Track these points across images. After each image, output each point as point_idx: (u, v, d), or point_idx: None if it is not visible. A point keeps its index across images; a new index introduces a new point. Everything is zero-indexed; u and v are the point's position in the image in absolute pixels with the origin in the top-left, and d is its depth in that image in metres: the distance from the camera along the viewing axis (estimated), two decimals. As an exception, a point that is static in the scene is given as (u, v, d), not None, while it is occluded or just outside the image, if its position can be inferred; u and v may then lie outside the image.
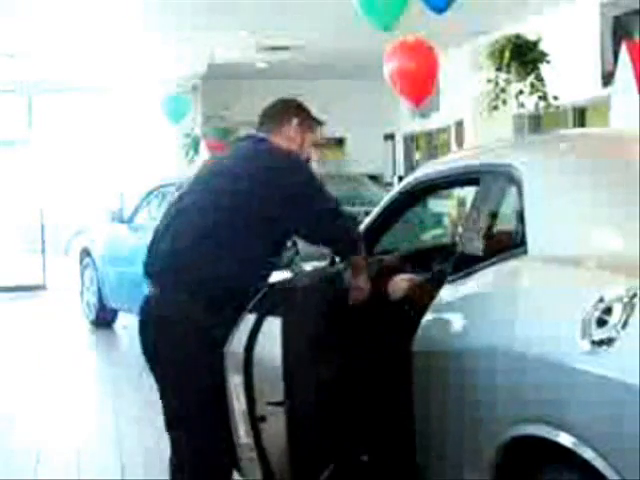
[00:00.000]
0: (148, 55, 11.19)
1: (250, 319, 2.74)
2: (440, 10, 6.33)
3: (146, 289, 3.07)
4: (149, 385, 3.16)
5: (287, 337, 2.70)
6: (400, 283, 3.22)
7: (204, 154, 9.34)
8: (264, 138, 3.06)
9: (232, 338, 2.74)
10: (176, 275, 2.87)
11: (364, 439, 3.18)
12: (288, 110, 3.12)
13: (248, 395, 2.73)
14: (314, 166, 3.26)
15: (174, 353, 2.83)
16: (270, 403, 2.72)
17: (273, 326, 2.71)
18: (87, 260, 9.19)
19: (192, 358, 2.80)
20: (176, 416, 2.91)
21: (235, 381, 2.73)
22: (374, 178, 11.97)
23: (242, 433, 2.77)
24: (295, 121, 3.08)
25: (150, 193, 8.47)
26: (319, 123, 3.18)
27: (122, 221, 8.54)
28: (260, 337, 2.72)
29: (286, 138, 3.06)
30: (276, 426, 2.73)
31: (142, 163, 12.57)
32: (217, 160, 3.24)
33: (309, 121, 3.14)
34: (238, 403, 2.74)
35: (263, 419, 2.73)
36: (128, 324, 8.58)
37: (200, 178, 3.08)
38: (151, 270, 2.99)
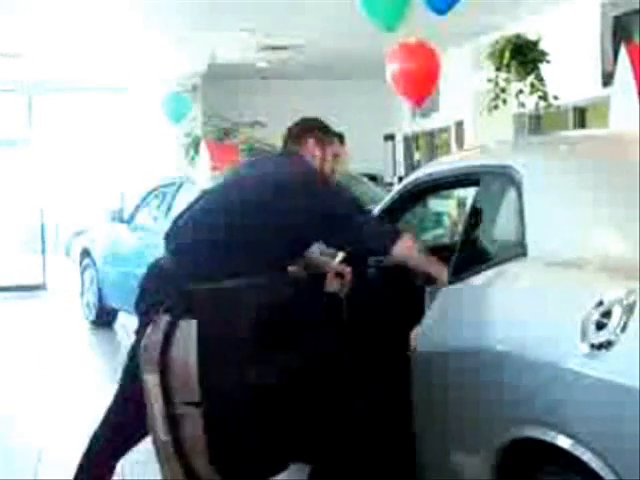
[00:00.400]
0: (148, 55, 11.19)
1: (164, 319, 2.75)
2: (441, 11, 6.33)
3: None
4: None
5: (202, 339, 2.71)
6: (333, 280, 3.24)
7: (204, 154, 9.34)
8: (290, 154, 3.27)
9: (148, 337, 2.77)
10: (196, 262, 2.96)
11: (309, 443, 3.13)
12: (305, 128, 3.31)
13: (164, 394, 2.74)
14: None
15: None
16: (187, 403, 2.72)
17: (189, 327, 2.72)
18: (87, 260, 9.19)
19: None
20: None
21: (151, 380, 2.75)
22: (374, 178, 11.96)
23: (161, 431, 2.77)
24: (312, 139, 3.27)
25: (150, 193, 8.46)
26: (335, 135, 3.35)
27: (122, 221, 8.54)
28: (175, 338, 2.73)
29: (309, 155, 3.26)
30: (193, 425, 2.74)
31: (142, 163, 12.56)
32: (248, 168, 3.42)
33: (326, 135, 3.32)
34: (155, 401, 2.75)
35: (181, 417, 2.74)
36: (128, 324, 8.59)
37: (232, 185, 3.27)
38: (176, 240, 3.09)
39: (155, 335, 2.75)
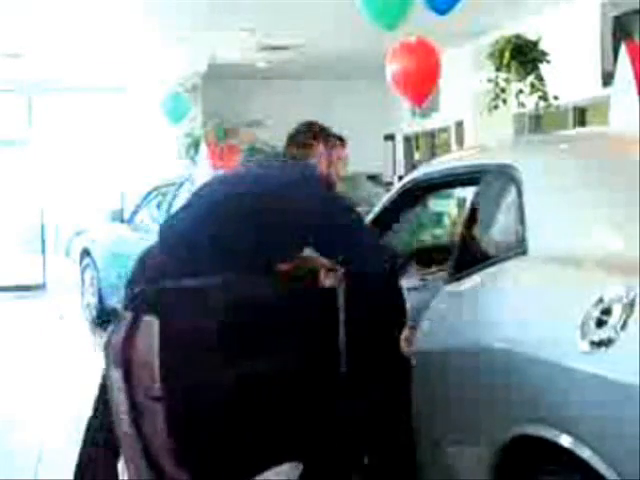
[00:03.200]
0: (148, 55, 11.19)
1: (127, 316, 2.76)
2: (443, 11, 6.33)
3: None
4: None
5: (164, 336, 2.69)
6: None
7: (204, 154, 9.35)
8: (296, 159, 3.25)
9: (113, 333, 2.78)
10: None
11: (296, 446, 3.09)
12: (312, 134, 3.33)
13: (128, 389, 2.74)
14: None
15: None
16: (149, 397, 2.72)
17: (151, 325, 2.71)
18: (87, 260, 9.19)
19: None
20: None
21: (116, 375, 2.75)
22: (374, 178, 11.96)
23: (125, 423, 2.77)
24: (320, 145, 3.30)
25: (150, 193, 8.47)
26: (340, 140, 3.41)
27: (122, 221, 8.55)
28: (137, 335, 2.72)
29: (317, 160, 3.27)
30: (155, 419, 2.73)
31: (142, 163, 12.55)
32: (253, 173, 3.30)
33: (332, 140, 3.36)
34: (119, 394, 2.75)
35: (144, 410, 2.74)
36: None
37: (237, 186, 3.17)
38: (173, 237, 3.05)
39: (119, 331, 2.76)
